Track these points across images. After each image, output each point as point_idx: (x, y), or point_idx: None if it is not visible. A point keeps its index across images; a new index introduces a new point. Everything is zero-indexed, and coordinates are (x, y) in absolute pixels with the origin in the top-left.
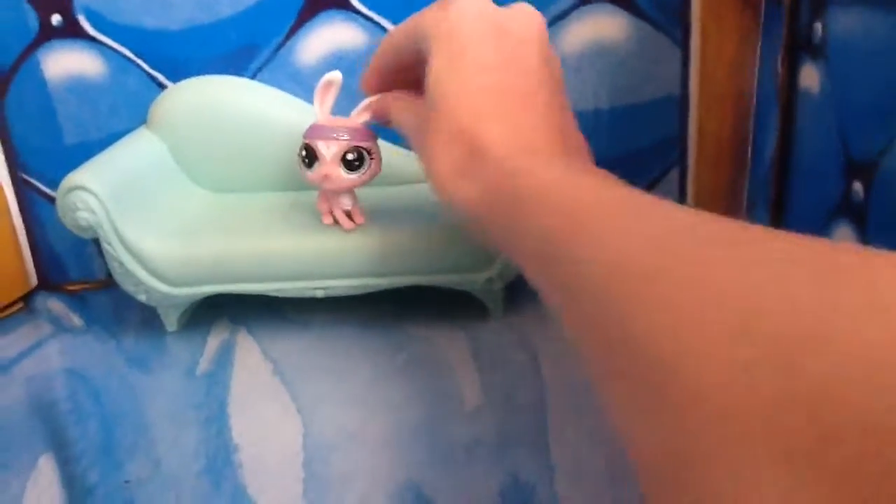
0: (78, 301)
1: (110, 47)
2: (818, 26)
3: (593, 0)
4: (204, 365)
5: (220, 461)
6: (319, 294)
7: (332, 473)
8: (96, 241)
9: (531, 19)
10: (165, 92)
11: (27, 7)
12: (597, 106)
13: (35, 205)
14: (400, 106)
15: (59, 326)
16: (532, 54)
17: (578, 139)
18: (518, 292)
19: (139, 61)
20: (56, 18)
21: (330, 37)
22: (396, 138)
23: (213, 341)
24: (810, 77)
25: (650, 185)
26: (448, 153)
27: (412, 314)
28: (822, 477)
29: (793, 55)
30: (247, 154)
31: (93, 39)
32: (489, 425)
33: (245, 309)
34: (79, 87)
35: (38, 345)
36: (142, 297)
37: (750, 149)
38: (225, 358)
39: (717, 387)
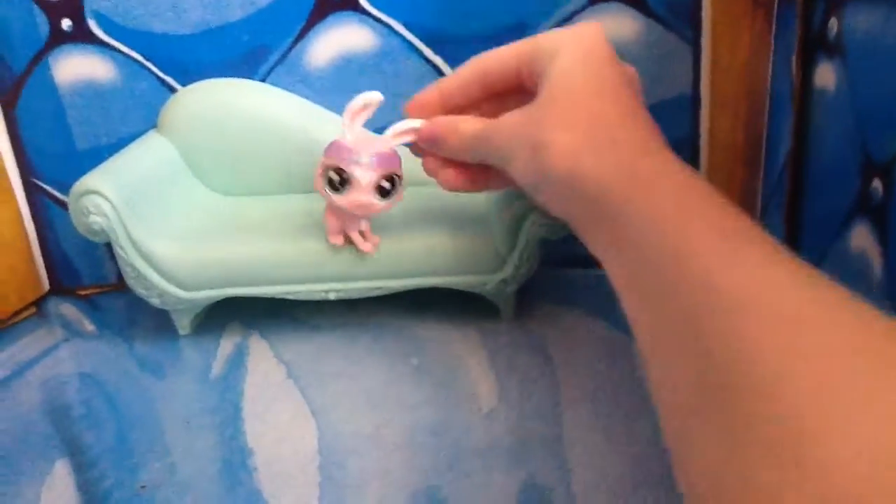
0: (90, 305)
1: (120, 51)
2: (833, 23)
3: None
4: (217, 369)
5: (234, 465)
6: (332, 296)
7: (347, 477)
8: (108, 245)
9: (635, 75)
10: (175, 95)
11: (37, 12)
12: None
13: (47, 209)
14: (468, 119)
15: (72, 331)
16: (638, 96)
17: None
18: (528, 294)
19: (149, 65)
20: (66, 23)
21: (340, 39)
22: None
23: (226, 345)
24: (826, 75)
25: None
26: (580, 129)
27: (424, 316)
28: None
29: (807, 54)
30: (257, 157)
31: (103, 44)
32: (505, 428)
33: (257, 312)
34: (89, 92)
35: (51, 349)
36: (154, 301)
37: (763, 150)
38: (238, 361)
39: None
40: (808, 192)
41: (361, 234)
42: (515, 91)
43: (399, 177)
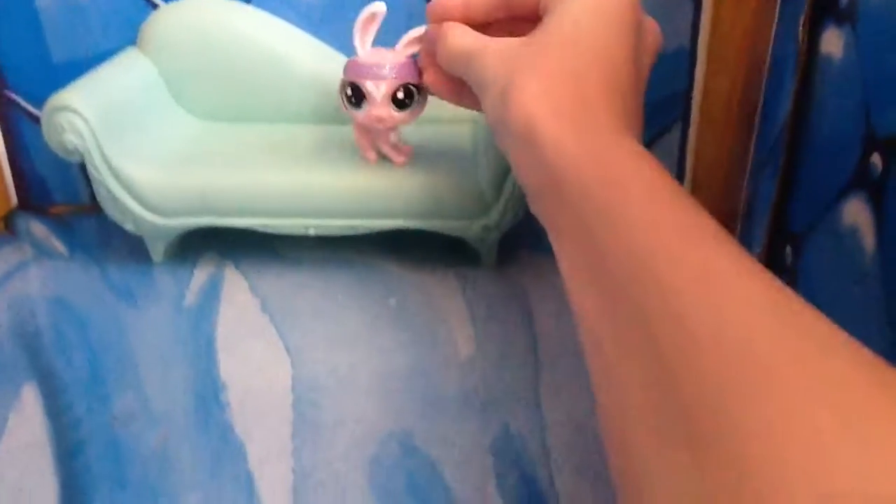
0: (61, 225)
1: None
2: None
3: None
4: (190, 298)
5: (207, 399)
6: (311, 232)
7: (321, 417)
8: (82, 165)
9: (658, 36)
10: (157, 12)
11: None
12: None
13: (18, 123)
14: (466, 32)
15: (42, 250)
16: (648, 64)
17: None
18: (510, 242)
19: None
20: None
21: None
22: None
23: (201, 274)
24: (833, 42)
25: (650, 142)
26: (555, 89)
27: (406, 258)
28: None
29: (815, 18)
30: (239, 82)
31: None
32: (481, 377)
33: (233, 243)
34: (67, 3)
35: (19, 269)
36: (129, 226)
37: (759, 113)
38: (212, 292)
39: None
40: (803, 161)
41: (393, 146)
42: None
43: (417, 87)
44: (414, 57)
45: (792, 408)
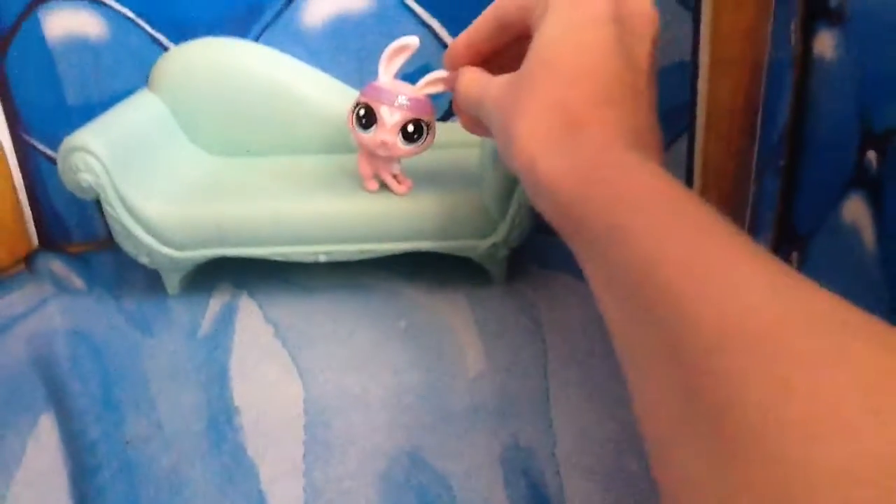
0: (79, 262)
1: (111, 7)
2: None
3: None
4: (205, 327)
5: (220, 423)
6: (322, 259)
7: (332, 437)
8: (97, 202)
9: (648, 16)
10: (168, 53)
11: None
12: None
13: (37, 165)
14: (478, 79)
15: (61, 287)
16: (645, 52)
17: (659, 135)
18: (520, 259)
19: (141, 22)
20: None
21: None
22: None
23: (215, 304)
24: (825, 43)
25: None
26: (542, 121)
27: (416, 280)
28: None
29: (807, 21)
30: (249, 117)
31: None
32: (491, 391)
33: (247, 273)
34: (80, 47)
35: (39, 305)
36: (143, 260)
37: (760, 116)
38: (226, 321)
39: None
40: (805, 162)
41: (395, 177)
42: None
43: (427, 125)
44: (432, 97)
45: (815, 393)
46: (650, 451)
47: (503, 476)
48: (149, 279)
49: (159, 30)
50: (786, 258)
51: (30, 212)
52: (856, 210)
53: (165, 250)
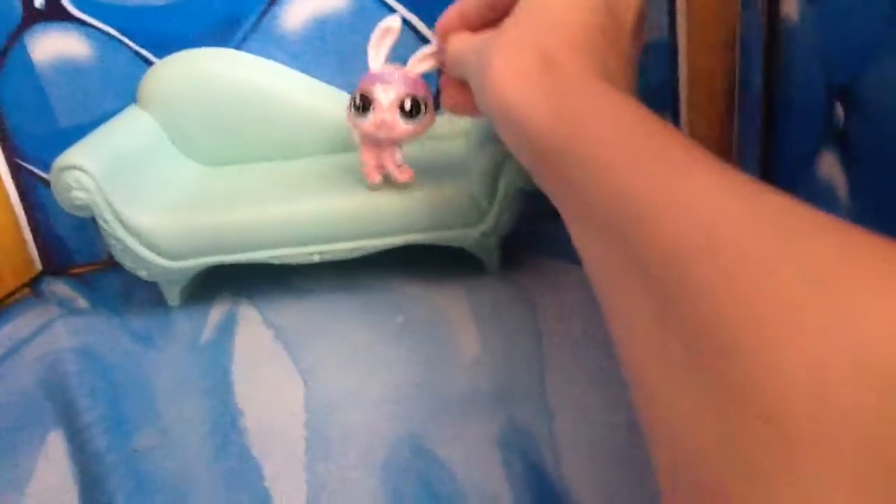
0: (83, 283)
1: (95, 27)
2: None
3: None
4: (207, 335)
5: (224, 426)
6: (317, 258)
7: (333, 431)
8: (97, 222)
9: None
10: (152, 69)
11: None
12: None
13: (34, 190)
14: (463, 39)
15: (66, 308)
16: (631, 18)
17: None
18: (514, 246)
19: (125, 39)
20: (39, 1)
21: (313, 2)
22: None
23: (216, 313)
24: (791, 6)
25: None
26: (518, 55)
27: (412, 276)
28: None
29: None
30: (236, 125)
31: (78, 20)
32: (487, 376)
33: (246, 281)
34: (68, 69)
35: (45, 327)
36: (142, 273)
37: (737, 85)
38: (227, 328)
39: (808, 400)
40: (779, 125)
41: (398, 166)
42: None
43: (424, 101)
44: (424, 76)
45: (777, 293)
46: (631, 386)
47: (501, 457)
48: (151, 295)
49: (144, 46)
50: None
51: (31, 237)
52: (829, 165)
53: (162, 262)
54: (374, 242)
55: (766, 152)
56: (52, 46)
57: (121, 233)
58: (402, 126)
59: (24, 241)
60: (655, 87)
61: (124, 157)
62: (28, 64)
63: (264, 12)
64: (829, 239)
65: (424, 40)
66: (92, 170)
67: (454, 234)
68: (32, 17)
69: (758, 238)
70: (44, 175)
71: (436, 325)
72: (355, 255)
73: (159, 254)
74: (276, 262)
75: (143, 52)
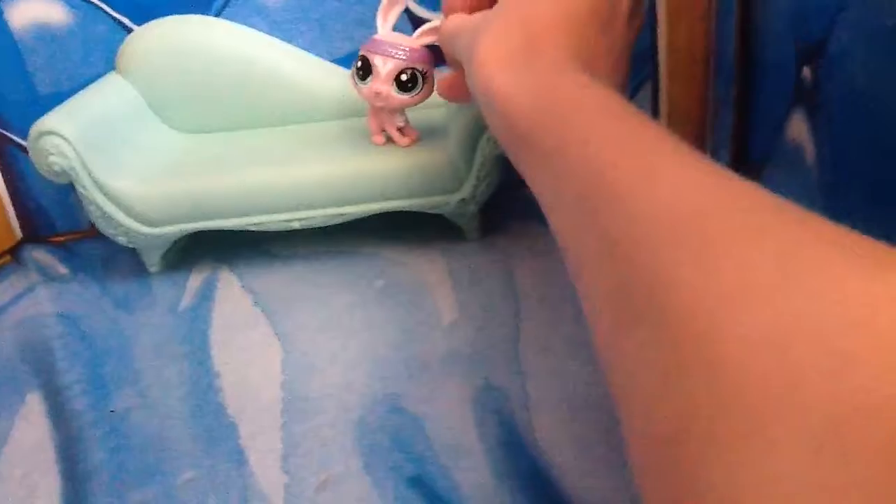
0: (64, 251)
1: None
2: None
3: None
4: (186, 301)
5: (202, 387)
6: (296, 225)
7: (310, 392)
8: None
9: None
10: (131, 35)
11: None
12: None
13: (14, 159)
14: (458, 20)
15: (47, 275)
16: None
17: (617, 76)
18: (494, 212)
19: (104, 6)
20: None
21: None
22: None
23: (195, 279)
24: None
25: None
26: (503, 39)
27: (393, 242)
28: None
29: None
30: (216, 93)
31: None
32: (464, 338)
33: (227, 248)
34: (47, 37)
35: (25, 293)
36: (121, 240)
37: (714, 56)
38: (207, 294)
39: (750, 357)
40: (753, 90)
41: (400, 130)
42: None
43: (423, 73)
44: (430, 47)
45: (735, 267)
46: (602, 360)
47: (475, 415)
48: (131, 263)
49: (123, 13)
50: None
51: (11, 206)
52: (798, 127)
53: (141, 228)
54: (355, 209)
55: (740, 118)
56: (30, 13)
57: (100, 199)
58: (397, 97)
59: (3, 210)
60: (636, 55)
61: (103, 123)
62: (6, 31)
63: None
64: (791, 225)
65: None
66: (70, 136)
67: (434, 200)
68: None
69: (722, 218)
70: (23, 143)
71: (415, 290)
72: (335, 221)
73: (138, 220)
74: (256, 228)
75: (123, 19)
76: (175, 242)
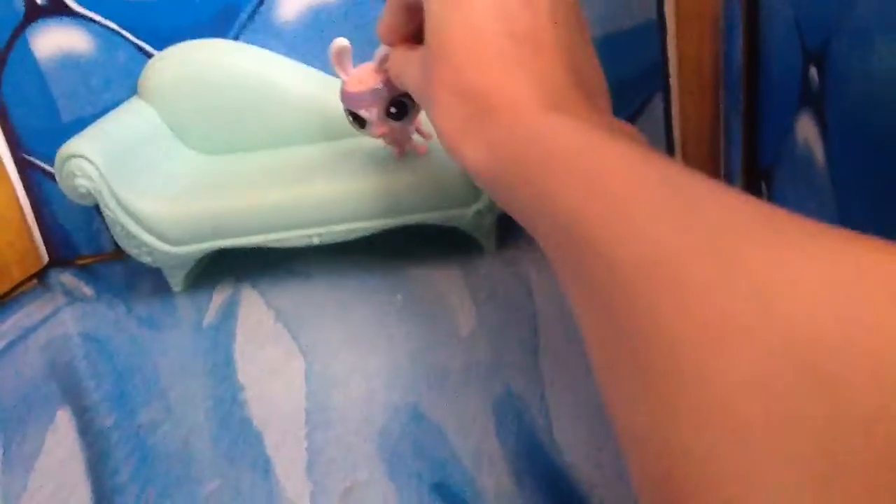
0: (89, 274)
1: (96, 21)
2: None
3: None
4: (209, 318)
5: (226, 400)
6: (316, 241)
7: (333, 402)
8: (102, 214)
9: None
10: (152, 61)
11: None
12: None
13: (40, 185)
14: (400, 60)
15: (72, 297)
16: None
17: (599, 80)
18: (512, 225)
19: (125, 33)
20: None
21: None
22: None
23: (218, 297)
24: None
25: (635, 114)
26: (454, 111)
27: (412, 257)
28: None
29: None
30: (235, 115)
31: (78, 15)
32: (483, 350)
33: (249, 267)
34: (70, 64)
35: (52, 314)
36: (146, 259)
37: (723, 61)
38: (230, 311)
39: (736, 399)
40: (761, 95)
41: (417, 143)
42: None
43: (402, 99)
44: None
45: (712, 310)
46: (602, 394)
47: (496, 421)
48: (155, 283)
49: (144, 39)
50: (756, 192)
51: (38, 230)
52: (806, 129)
53: (165, 247)
54: (373, 223)
55: (749, 125)
56: (53, 42)
57: (124, 219)
58: (398, 127)
59: (30, 235)
60: (645, 70)
61: (126, 146)
62: (31, 60)
63: (260, 3)
64: (762, 242)
65: None
66: (95, 158)
67: (449, 213)
68: (34, 14)
69: (698, 258)
70: (49, 168)
71: (434, 304)
72: (353, 236)
73: (161, 239)
74: (276, 245)
75: (143, 44)
76: (198, 262)
